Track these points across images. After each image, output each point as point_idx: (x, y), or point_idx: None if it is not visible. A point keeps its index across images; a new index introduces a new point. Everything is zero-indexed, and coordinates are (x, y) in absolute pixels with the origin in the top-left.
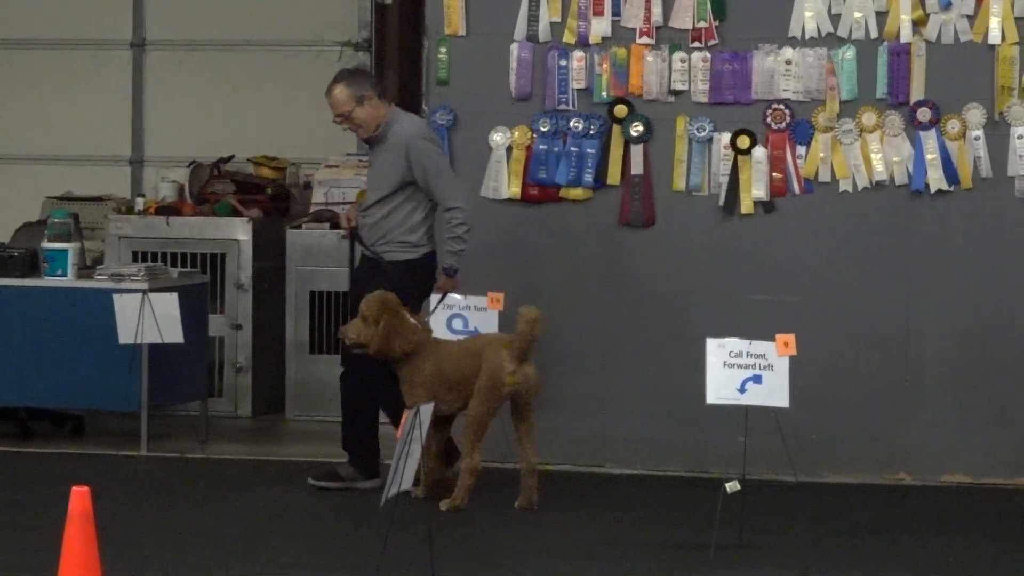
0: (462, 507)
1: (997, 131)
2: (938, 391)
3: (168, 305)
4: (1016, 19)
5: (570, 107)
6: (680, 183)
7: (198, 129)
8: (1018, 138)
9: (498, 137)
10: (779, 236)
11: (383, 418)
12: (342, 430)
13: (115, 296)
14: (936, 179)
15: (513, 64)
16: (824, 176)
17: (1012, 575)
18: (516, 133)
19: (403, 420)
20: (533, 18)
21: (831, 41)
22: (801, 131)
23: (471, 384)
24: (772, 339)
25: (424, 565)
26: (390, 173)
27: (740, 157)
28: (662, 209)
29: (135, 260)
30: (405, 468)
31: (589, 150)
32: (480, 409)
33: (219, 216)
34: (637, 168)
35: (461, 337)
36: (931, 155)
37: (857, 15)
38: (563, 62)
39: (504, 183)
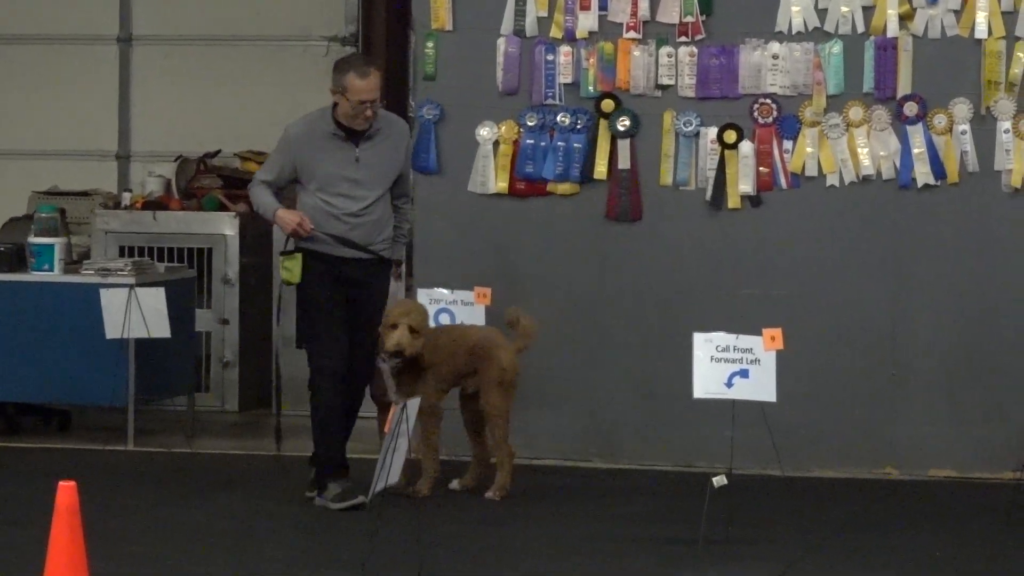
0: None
1: (984, 125)
2: (926, 386)
3: (155, 300)
4: (1003, 14)
5: (557, 102)
6: (667, 178)
7: (185, 124)
8: (1004, 132)
9: (485, 132)
10: (766, 230)
11: None
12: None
13: (102, 291)
14: (923, 173)
15: (500, 59)
16: (811, 170)
17: (998, 569)
18: (503, 128)
19: (390, 415)
20: (520, 13)
21: (818, 35)
22: (788, 125)
23: (457, 374)
24: (759, 333)
25: (412, 560)
26: (392, 167)
27: (727, 152)
28: (649, 204)
29: (122, 255)
30: (392, 463)
31: (576, 145)
32: (506, 403)
33: (206, 211)
34: (624, 163)
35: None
36: (918, 149)
37: (844, 9)
38: (550, 56)
39: (491, 178)
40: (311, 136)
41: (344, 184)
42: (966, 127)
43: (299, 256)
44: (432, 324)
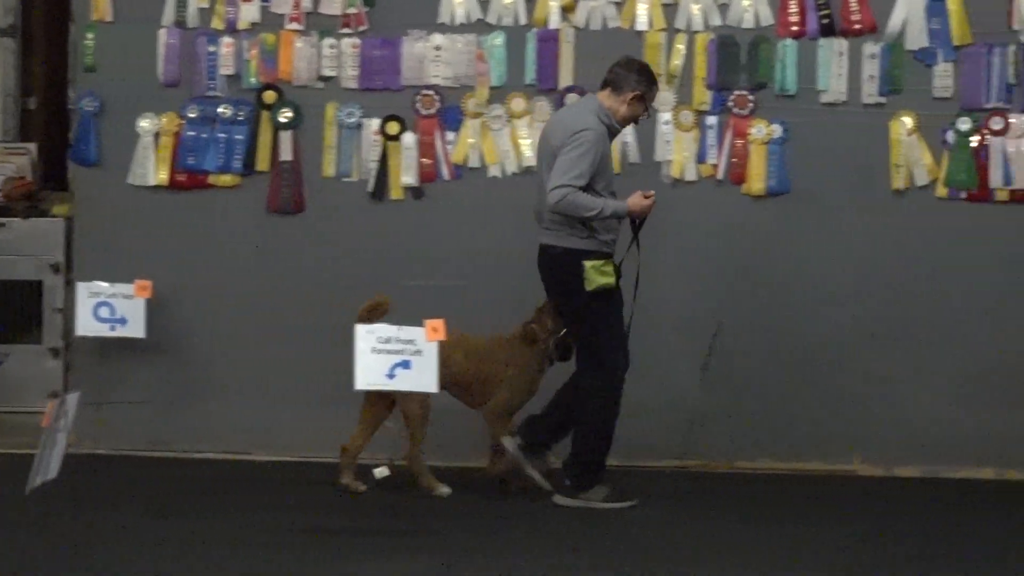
0: None
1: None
2: None
3: None
4: (663, 6)
5: (219, 93)
6: (330, 169)
7: None
8: (664, 123)
9: (146, 123)
10: (429, 222)
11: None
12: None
13: None
14: None
15: (161, 50)
16: (473, 162)
17: (636, 551)
18: (164, 119)
19: (49, 408)
20: (181, 4)
21: (480, 27)
22: (451, 117)
23: None
24: (421, 324)
25: (76, 553)
26: None
27: (389, 143)
28: (312, 195)
29: None
30: (50, 458)
31: (238, 136)
32: None
33: None
34: (286, 154)
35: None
36: None
37: (506, 1)
38: (212, 48)
39: (152, 170)
40: (604, 133)
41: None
42: None
43: (612, 261)
44: (90, 318)
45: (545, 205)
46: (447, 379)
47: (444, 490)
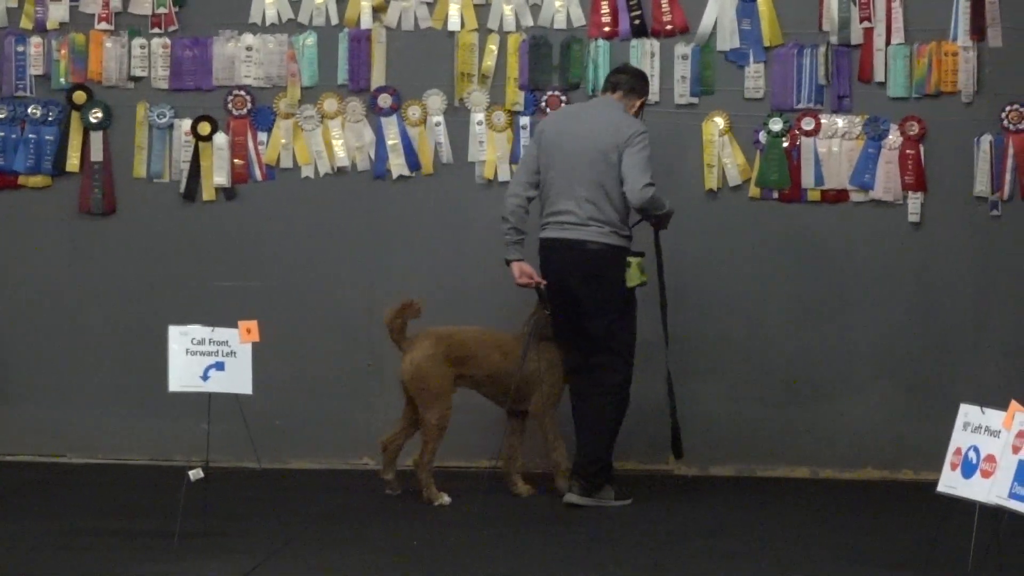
0: None
1: (457, 117)
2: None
3: None
4: (475, 7)
5: (28, 94)
6: (141, 170)
7: None
8: (478, 124)
9: None
10: (242, 222)
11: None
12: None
13: None
14: (397, 165)
15: None
16: (286, 162)
17: (474, 551)
18: None
19: None
20: None
21: (292, 27)
22: (262, 117)
23: None
24: (235, 326)
25: None
26: None
27: (201, 144)
28: (123, 196)
29: None
30: None
31: (48, 137)
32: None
33: None
34: (97, 155)
35: None
36: (392, 141)
37: (318, 1)
38: (20, 48)
39: None
40: None
41: None
42: (440, 119)
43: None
44: None
45: (588, 202)
46: (482, 380)
47: (445, 500)
